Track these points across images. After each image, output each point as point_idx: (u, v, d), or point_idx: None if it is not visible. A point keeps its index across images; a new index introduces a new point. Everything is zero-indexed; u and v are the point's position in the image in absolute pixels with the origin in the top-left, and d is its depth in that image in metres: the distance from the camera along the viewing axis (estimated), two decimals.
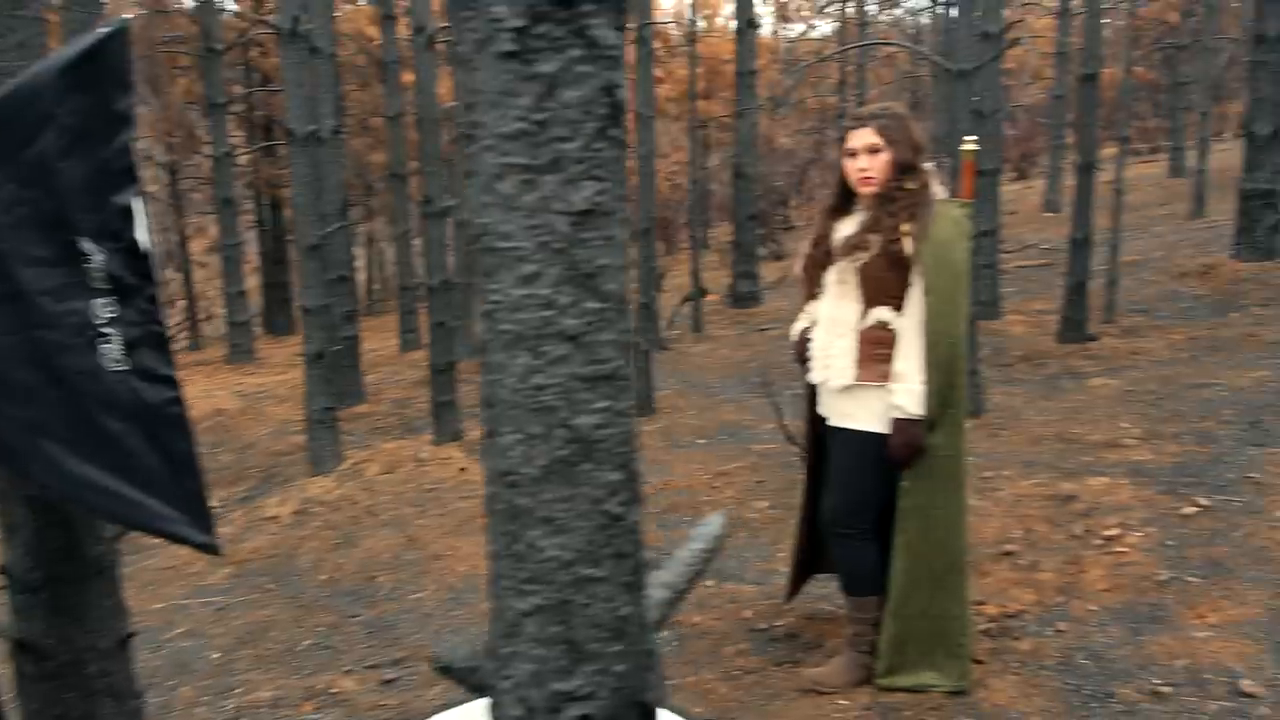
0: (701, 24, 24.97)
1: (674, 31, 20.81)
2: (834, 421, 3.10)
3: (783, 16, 22.52)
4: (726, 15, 21.58)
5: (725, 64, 19.49)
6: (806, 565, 3.56)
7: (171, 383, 1.90)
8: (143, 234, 1.83)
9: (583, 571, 1.28)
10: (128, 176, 1.81)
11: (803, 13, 22.74)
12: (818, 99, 24.77)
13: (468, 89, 1.18)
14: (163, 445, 1.90)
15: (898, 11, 23.29)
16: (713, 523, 1.64)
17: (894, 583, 3.05)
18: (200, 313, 18.75)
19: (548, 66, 1.12)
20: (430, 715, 2.00)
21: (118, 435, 1.88)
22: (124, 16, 1.83)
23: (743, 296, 12.02)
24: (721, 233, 19.23)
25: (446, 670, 1.43)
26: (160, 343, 1.88)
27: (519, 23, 1.11)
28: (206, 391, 11.69)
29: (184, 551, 5.94)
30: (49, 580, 2.34)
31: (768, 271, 13.59)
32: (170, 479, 1.92)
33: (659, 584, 1.53)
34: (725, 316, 11.70)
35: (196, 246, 22.24)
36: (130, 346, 1.86)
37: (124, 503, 1.92)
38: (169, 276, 20.05)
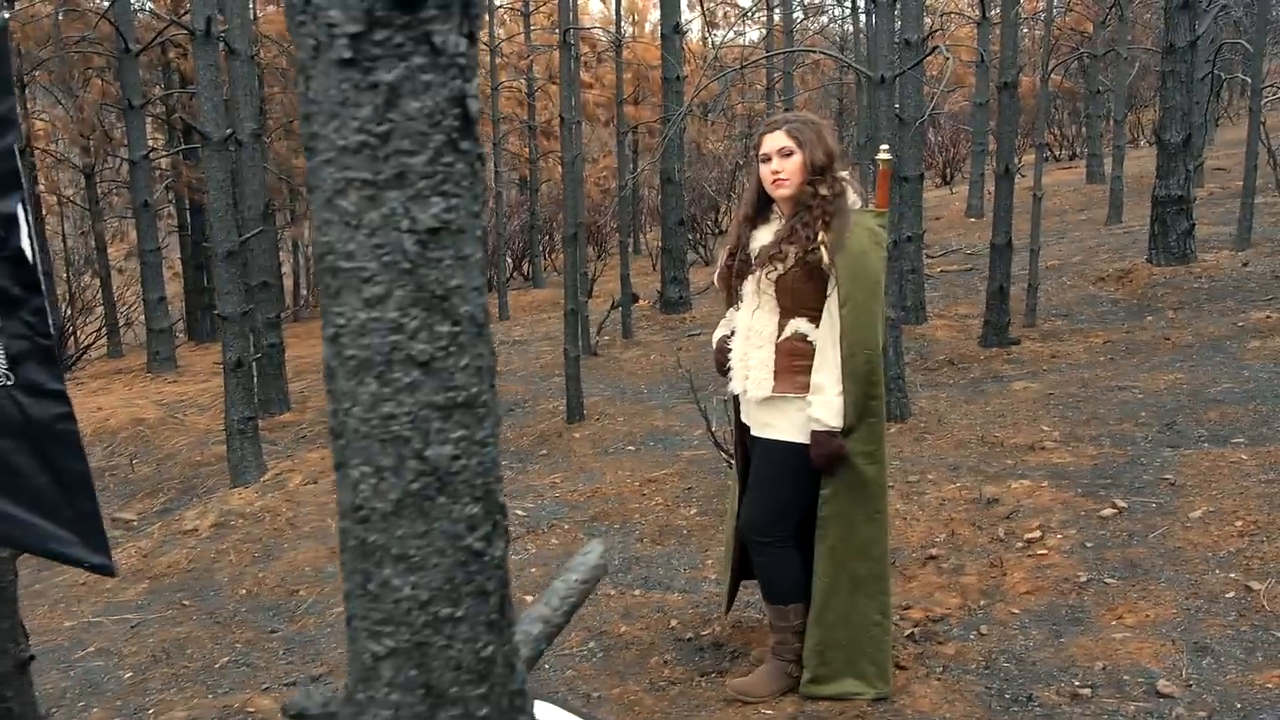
0: (629, 30, 25.02)
1: (602, 37, 20.80)
2: (754, 431, 3.10)
3: (710, 23, 22.63)
4: (654, 21, 21.64)
5: (653, 69, 19.55)
6: (740, 572, 3.55)
7: (61, 398, 1.81)
8: (27, 242, 1.74)
9: (441, 611, 1.22)
10: (10, 182, 1.73)
11: (730, 19, 22.85)
12: (746, 105, 24.96)
13: (306, 99, 1.11)
14: (53, 464, 1.82)
15: (824, 19, 23.54)
16: (592, 551, 1.56)
17: (816, 591, 3.06)
18: (120, 319, 18.23)
19: (388, 75, 1.07)
20: None
21: (4, 453, 1.79)
22: (3, 15, 1.74)
23: (672, 302, 12.02)
24: (653, 238, 19.26)
25: (300, 718, 1.36)
26: (48, 356, 1.80)
27: (356, 28, 1.05)
28: (126, 401, 11.36)
29: None
30: None
31: (697, 277, 13.63)
32: (62, 499, 1.84)
33: (534, 619, 1.47)
34: (655, 322, 11.70)
35: (116, 252, 21.65)
36: (14, 360, 1.78)
37: (12, 524, 1.83)
38: (86, 283, 19.48)
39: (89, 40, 14.49)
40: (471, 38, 1.11)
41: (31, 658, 2.44)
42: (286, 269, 22.03)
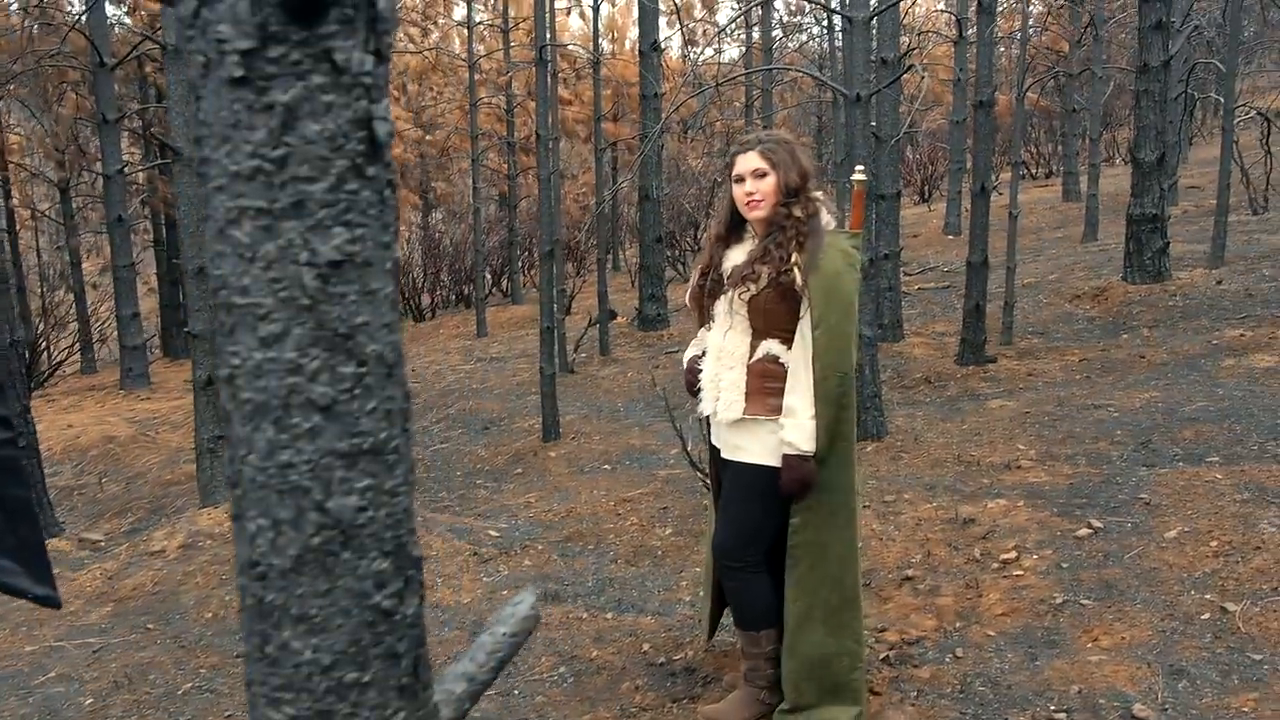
0: (608, 47, 25.07)
1: (581, 54, 20.82)
2: (725, 454, 3.05)
3: (690, 40, 22.71)
4: (633, 38, 21.67)
5: (632, 86, 19.57)
6: (721, 599, 3.47)
7: (6, 424, 1.75)
8: None
9: (346, 676, 1.12)
10: None
11: (708, 36, 22.96)
12: (725, 122, 25.03)
13: (197, 121, 1.03)
14: None
15: (803, 37, 23.68)
16: (523, 601, 1.45)
17: (788, 621, 3.00)
18: (94, 335, 18.05)
19: (284, 95, 0.98)
20: None
21: None
22: None
23: (650, 319, 11.99)
24: (632, 254, 19.24)
25: None
26: None
27: (247, 44, 0.97)
28: (97, 418, 11.23)
29: (61, 590, 5.64)
30: None
31: (676, 294, 13.61)
32: (4, 527, 1.78)
33: (457, 676, 1.37)
34: (633, 339, 11.66)
35: (91, 267, 21.47)
36: None
37: None
38: (60, 298, 19.29)
39: (63, 54, 14.37)
40: (379, 55, 1.04)
41: None
42: None
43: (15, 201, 17.83)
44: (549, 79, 8.88)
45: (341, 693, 1.12)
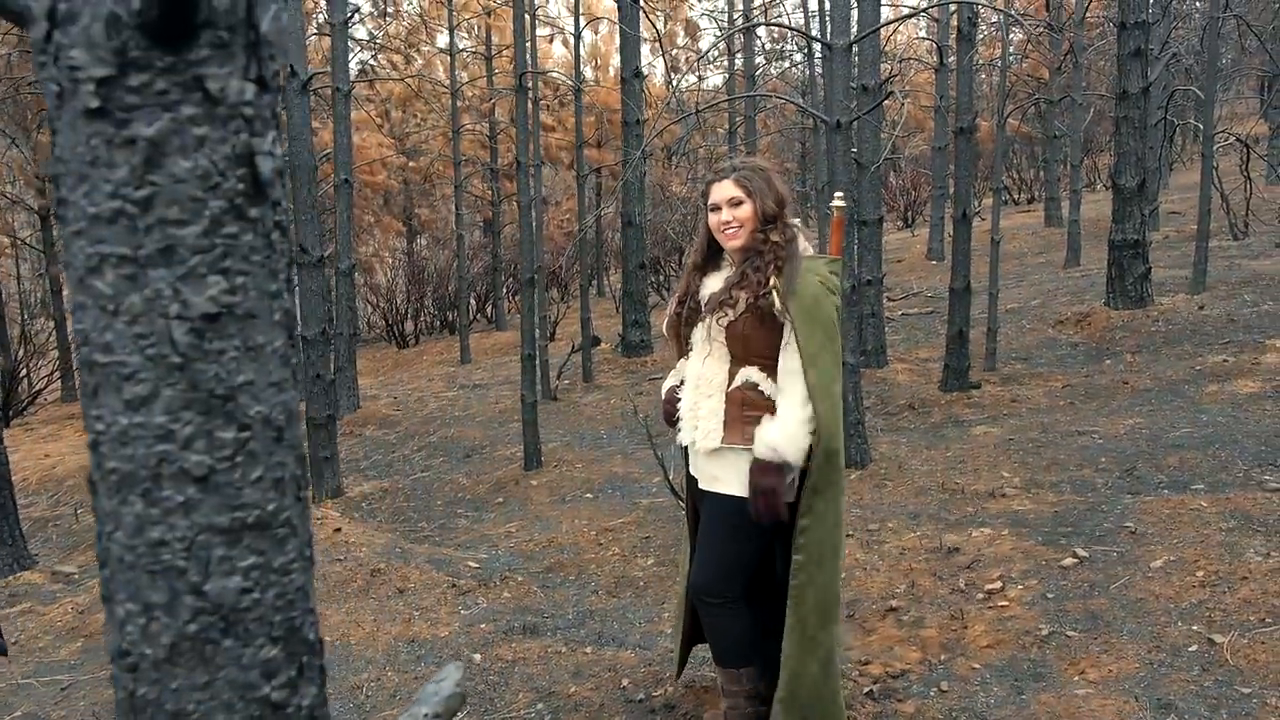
0: (591, 74, 25.16)
1: (564, 81, 20.85)
2: (702, 485, 2.97)
3: (672, 67, 22.80)
4: (616, 66, 21.78)
5: (615, 113, 19.60)
6: (693, 635, 3.37)
7: None
8: None
9: None
10: None
11: (690, 63, 23.06)
12: (709, 149, 25.11)
13: (54, 158, 0.90)
14: None
15: (785, 64, 23.82)
16: (447, 678, 1.31)
17: (787, 670, 2.86)
18: (73, 364, 17.89)
19: (148, 129, 0.87)
20: None
21: None
22: None
23: (633, 345, 11.94)
24: (617, 280, 19.21)
25: None
26: None
27: (104, 71, 0.85)
28: (75, 448, 11.08)
29: (31, 625, 5.52)
30: None
31: (659, 320, 13.57)
32: None
33: None
34: (616, 365, 11.60)
35: (70, 295, 21.28)
36: None
37: None
38: (40, 326, 19.13)
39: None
40: (262, 83, 0.92)
41: None
42: None
43: None
44: (530, 106, 8.86)
45: None
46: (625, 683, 3.68)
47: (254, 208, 0.93)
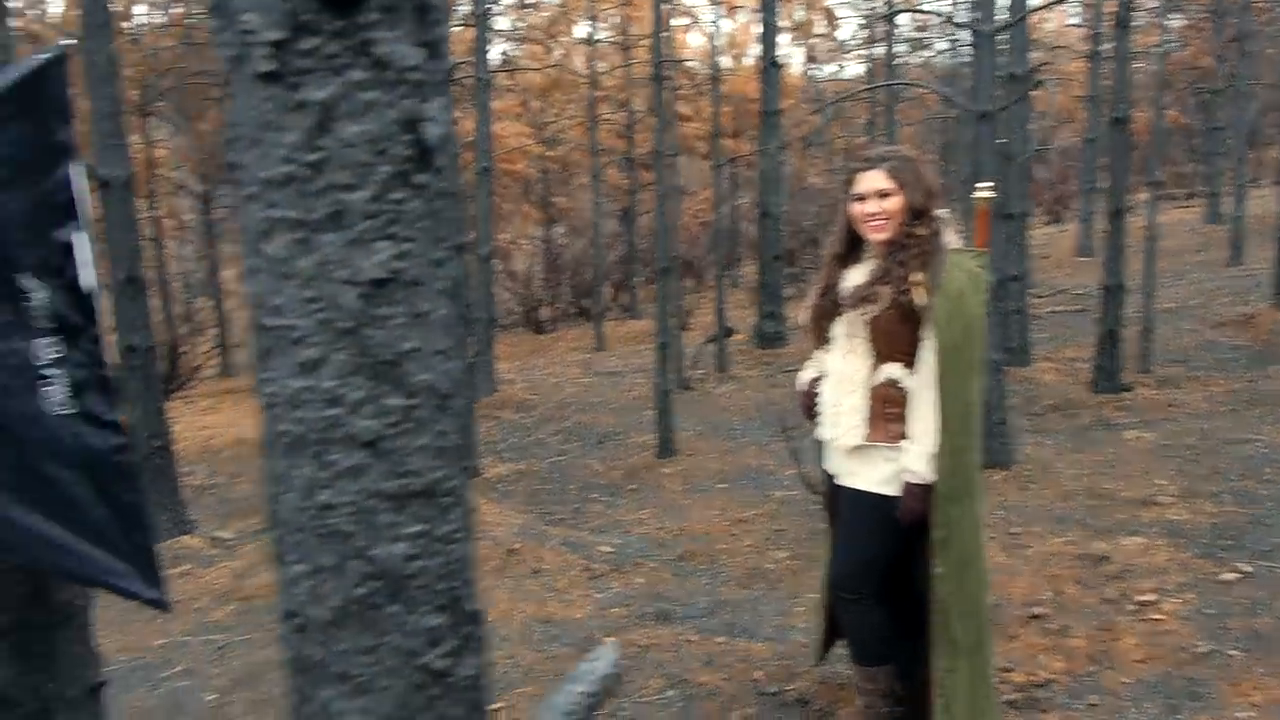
0: (728, 62, 25.02)
1: (700, 70, 20.82)
2: (843, 481, 2.93)
3: (811, 57, 22.53)
4: (754, 55, 21.61)
5: (752, 102, 19.48)
6: (835, 627, 3.32)
7: (117, 428, 1.79)
8: (85, 272, 1.72)
9: None
10: (69, 211, 1.71)
11: (830, 53, 22.74)
12: (846, 139, 24.73)
13: (229, 121, 0.91)
14: (110, 495, 1.79)
15: (928, 53, 23.22)
16: (602, 657, 1.27)
17: (943, 685, 2.78)
18: (231, 340, 18.83)
19: (320, 93, 0.86)
20: None
21: (62, 484, 1.77)
22: (63, 42, 1.73)
23: (768, 337, 11.87)
24: (751, 271, 19.12)
25: None
26: (105, 386, 1.77)
27: (277, 35, 0.85)
28: (232, 420, 11.66)
29: (189, 585, 5.83)
30: (16, 626, 2.23)
31: (794, 312, 13.45)
32: (119, 531, 1.81)
33: None
34: (751, 357, 11.55)
35: (229, 274, 22.38)
36: (76, 389, 1.75)
37: (69, 555, 1.81)
38: (201, 304, 20.19)
39: (206, 71, 15.05)
40: (431, 49, 0.90)
41: (103, 684, 2.43)
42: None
43: (161, 212, 18.73)
44: (667, 95, 8.89)
45: None
46: (757, 674, 3.67)
47: (420, 174, 0.92)
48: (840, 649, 3.50)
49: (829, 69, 25.48)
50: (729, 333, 11.56)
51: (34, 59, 1.67)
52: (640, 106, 19.63)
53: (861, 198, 2.82)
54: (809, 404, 3.06)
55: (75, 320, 1.75)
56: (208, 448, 10.30)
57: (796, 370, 2.96)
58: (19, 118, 1.68)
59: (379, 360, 0.92)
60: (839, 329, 2.92)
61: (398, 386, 0.94)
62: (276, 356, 0.93)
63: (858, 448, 2.83)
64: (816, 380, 3.06)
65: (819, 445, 3.16)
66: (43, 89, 1.67)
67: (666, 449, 7.61)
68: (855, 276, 2.92)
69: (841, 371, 2.90)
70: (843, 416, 2.87)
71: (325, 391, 0.92)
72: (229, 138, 0.91)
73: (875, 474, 2.81)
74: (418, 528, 0.97)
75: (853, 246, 2.98)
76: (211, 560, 6.32)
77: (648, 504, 6.58)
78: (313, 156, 0.88)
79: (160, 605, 1.87)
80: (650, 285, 20.96)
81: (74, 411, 1.76)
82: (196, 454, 10.14)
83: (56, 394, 1.75)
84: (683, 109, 22.72)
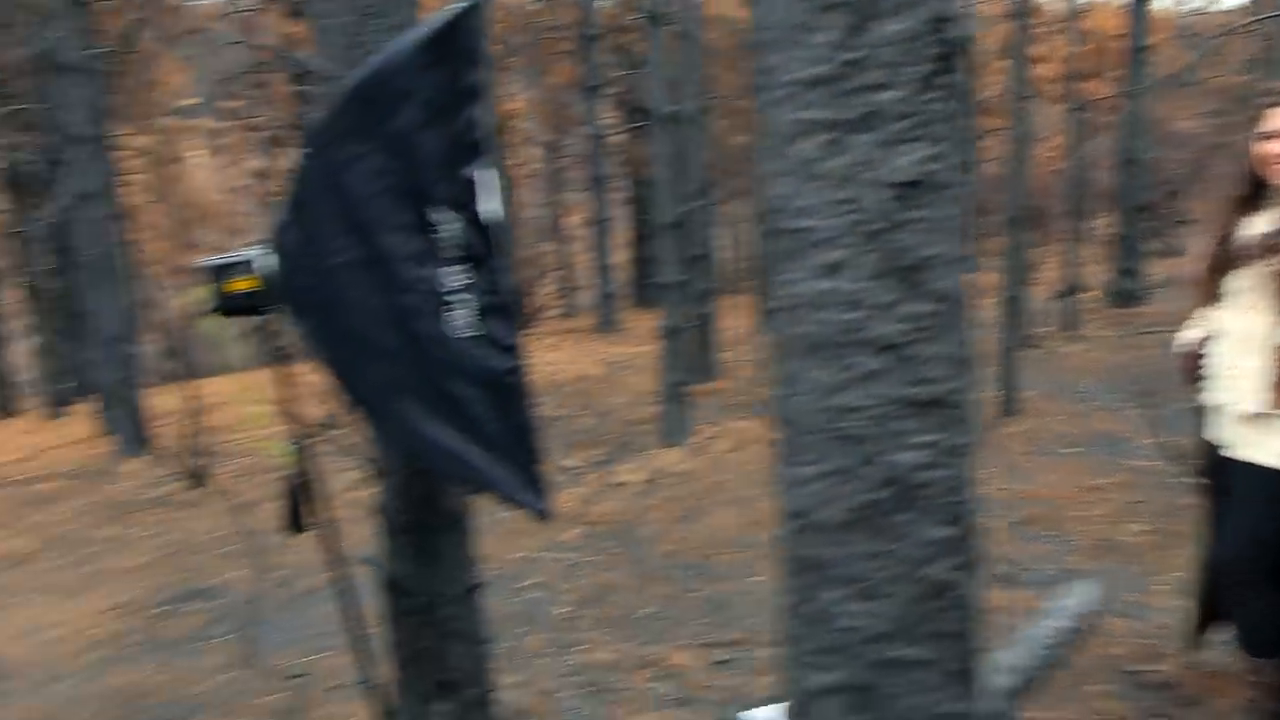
0: None
1: (1054, 5, 19.33)
2: (1235, 452, 2.66)
3: None
4: None
5: (1111, 40, 17.86)
6: (1213, 610, 3.06)
7: (515, 352, 1.94)
8: (489, 205, 1.87)
9: (893, 651, 0.97)
10: (476, 149, 1.86)
11: None
12: (1223, 78, 22.15)
13: (757, 27, 0.88)
14: (506, 413, 1.96)
15: None
16: (1080, 593, 1.21)
17: None
18: (574, 283, 20.00)
19: None
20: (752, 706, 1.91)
21: (465, 400, 1.96)
22: None
23: (1124, 295, 11.01)
24: (1103, 223, 17.73)
25: None
26: (506, 312, 1.92)
27: None
28: (574, 357, 12.40)
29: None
30: (415, 526, 2.51)
31: (1156, 269, 12.34)
32: (514, 446, 1.98)
33: (999, 668, 1.17)
34: (1103, 316, 10.77)
35: (572, 220, 23.70)
36: (481, 314, 1.92)
37: (468, 466, 1.99)
38: (546, 249, 21.52)
39: (557, 27, 15.85)
40: None
41: (479, 584, 2.69)
42: (723, 243, 22.90)
43: (512, 161, 20.08)
44: (1021, 33, 8.34)
45: (888, 668, 0.99)
46: (1115, 651, 3.45)
47: (943, 75, 0.90)
48: (1215, 636, 3.22)
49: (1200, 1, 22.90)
50: (1078, 289, 10.81)
51: (451, 8, 1.83)
52: (986, 47, 18.54)
53: (1269, 136, 2.56)
54: (1192, 367, 2.81)
55: (479, 250, 1.91)
56: (552, 382, 10.99)
57: (1155, 332, 2.71)
58: (438, 65, 1.85)
59: (904, 265, 0.91)
60: (1238, 283, 2.66)
61: (920, 292, 0.93)
62: (797, 259, 0.94)
63: (1258, 415, 2.57)
64: (1204, 340, 2.80)
65: (1199, 413, 2.90)
66: (457, 37, 1.82)
67: (1010, 408, 7.27)
68: (1260, 224, 2.64)
69: (1242, 330, 2.63)
70: (1242, 381, 2.61)
71: (848, 294, 0.92)
72: (756, 42, 0.91)
73: (1278, 445, 2.54)
74: (930, 437, 0.97)
75: (1256, 191, 2.69)
76: (559, 485, 6.78)
77: (989, 463, 6.33)
78: (847, 56, 0.87)
79: (545, 516, 2.03)
80: (990, 238, 19.96)
81: (477, 334, 1.94)
82: (543, 388, 10.87)
83: (462, 318, 1.93)
84: (1038, 49, 21.27)
